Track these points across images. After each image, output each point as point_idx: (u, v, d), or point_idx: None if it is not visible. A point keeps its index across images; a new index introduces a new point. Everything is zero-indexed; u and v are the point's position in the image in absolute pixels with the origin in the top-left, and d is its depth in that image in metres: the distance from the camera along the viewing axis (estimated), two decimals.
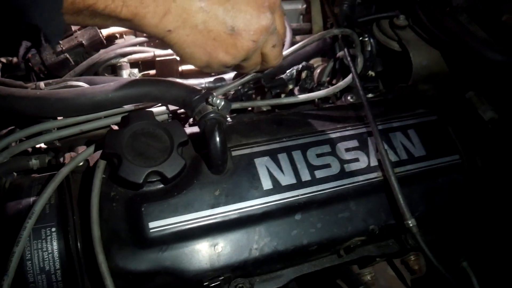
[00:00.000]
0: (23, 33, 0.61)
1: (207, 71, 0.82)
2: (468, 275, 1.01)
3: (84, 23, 0.87)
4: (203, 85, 1.06)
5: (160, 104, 0.92)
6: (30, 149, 0.97)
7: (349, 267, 0.98)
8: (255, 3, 0.75)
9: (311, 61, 1.20)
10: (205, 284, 0.76)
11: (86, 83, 0.95)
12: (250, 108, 1.07)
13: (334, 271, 0.95)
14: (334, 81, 1.17)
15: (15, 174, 0.89)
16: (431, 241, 0.90)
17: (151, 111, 0.86)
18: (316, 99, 1.07)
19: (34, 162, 0.90)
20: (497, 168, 1.03)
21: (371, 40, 1.10)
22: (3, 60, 1.09)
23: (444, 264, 0.90)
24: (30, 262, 0.74)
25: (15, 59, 1.10)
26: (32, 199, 0.79)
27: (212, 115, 0.81)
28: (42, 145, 0.94)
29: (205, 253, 0.79)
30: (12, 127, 0.94)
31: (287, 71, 1.06)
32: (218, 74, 1.10)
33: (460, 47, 1.03)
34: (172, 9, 0.69)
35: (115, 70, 1.06)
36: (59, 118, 0.87)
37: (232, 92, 1.00)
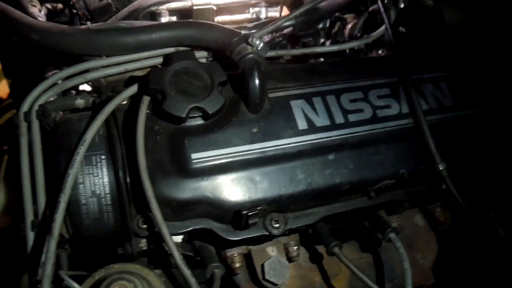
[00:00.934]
0: None
1: None
2: (495, 226, 1.04)
3: None
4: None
5: (199, 48, 0.96)
6: (74, 92, 1.02)
7: (377, 212, 1.01)
8: None
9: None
10: (243, 212, 0.80)
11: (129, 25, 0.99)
12: (282, 61, 1.10)
13: (363, 214, 0.98)
14: (365, 36, 1.19)
15: (61, 113, 0.94)
16: (459, 190, 0.92)
17: (193, 52, 0.89)
18: (347, 51, 1.09)
19: (79, 102, 0.94)
20: None
21: None
22: (48, 6, 1.13)
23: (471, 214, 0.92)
24: (82, 185, 0.79)
25: (59, 5, 1.14)
26: (81, 130, 0.83)
27: (251, 55, 0.85)
28: (87, 87, 0.99)
29: (244, 185, 0.84)
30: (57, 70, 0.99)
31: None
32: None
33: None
34: None
35: (154, 17, 1.09)
36: (104, 57, 0.91)
37: (266, 40, 1.03)
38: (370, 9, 1.14)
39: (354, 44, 1.04)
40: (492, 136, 1.01)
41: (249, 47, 0.85)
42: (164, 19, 1.08)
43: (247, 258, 0.96)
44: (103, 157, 0.81)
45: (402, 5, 1.12)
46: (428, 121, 0.93)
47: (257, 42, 0.85)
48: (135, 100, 0.87)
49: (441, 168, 0.90)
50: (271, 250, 0.96)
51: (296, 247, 0.96)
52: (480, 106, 1.01)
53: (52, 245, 0.67)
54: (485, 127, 1.00)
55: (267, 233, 0.86)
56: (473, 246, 1.18)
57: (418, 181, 0.97)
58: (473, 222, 1.02)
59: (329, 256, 0.99)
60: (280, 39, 1.02)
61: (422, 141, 0.92)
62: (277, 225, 0.86)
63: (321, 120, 0.90)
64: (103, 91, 0.97)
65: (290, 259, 0.96)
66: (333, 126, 0.90)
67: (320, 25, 1.08)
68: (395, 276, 1.06)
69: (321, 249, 1.02)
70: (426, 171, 0.94)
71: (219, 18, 1.17)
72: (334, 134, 0.90)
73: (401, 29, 1.17)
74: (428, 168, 0.93)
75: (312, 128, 0.89)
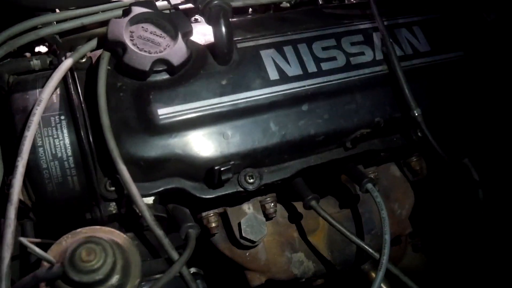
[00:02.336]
0: None
1: None
2: (469, 170, 1.04)
3: None
4: None
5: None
6: (29, 54, 0.95)
7: (354, 164, 0.99)
8: None
9: None
10: (215, 168, 0.77)
11: None
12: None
13: (339, 167, 0.96)
14: None
15: (16, 76, 0.87)
16: (434, 136, 0.91)
17: (154, 2, 0.84)
18: (320, 1, 1.05)
19: (35, 63, 0.88)
20: (498, 66, 1.03)
21: None
22: None
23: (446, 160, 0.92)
24: (42, 148, 0.74)
25: None
26: (38, 90, 0.78)
27: (216, 2, 0.80)
28: (43, 48, 0.92)
29: (215, 140, 0.80)
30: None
31: None
32: None
33: None
34: None
35: None
36: (58, 11, 0.85)
37: None
38: None
39: None
40: (467, 81, 0.99)
41: None
42: None
43: (223, 217, 0.94)
44: (62, 117, 0.76)
45: None
46: (402, 67, 0.91)
47: None
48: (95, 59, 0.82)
49: (416, 114, 0.89)
50: (247, 207, 0.93)
51: (272, 204, 0.94)
52: (455, 51, 1.00)
53: (11, 211, 0.62)
54: (460, 72, 0.99)
55: (241, 189, 0.83)
56: (448, 193, 1.19)
57: (394, 129, 0.95)
58: (448, 168, 1.02)
59: (307, 212, 0.98)
60: None
61: (397, 87, 0.90)
62: (251, 180, 0.83)
63: (293, 70, 0.86)
64: (60, 50, 0.91)
65: (267, 216, 0.94)
66: (305, 75, 0.87)
67: None
68: (373, 227, 1.06)
69: (298, 205, 1.01)
70: (401, 118, 0.92)
71: None
72: (307, 84, 0.86)
73: None
74: (404, 115, 0.91)
75: (284, 78, 0.85)
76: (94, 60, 0.84)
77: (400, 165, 1.13)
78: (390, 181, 1.11)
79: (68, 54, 0.88)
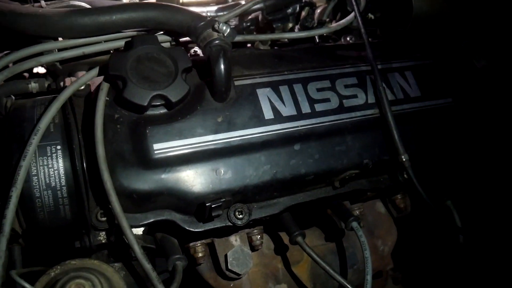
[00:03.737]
0: None
1: None
2: (451, 212, 1.07)
3: None
4: (205, 14, 1.05)
5: (162, 32, 0.91)
6: (27, 75, 0.96)
7: (340, 201, 1.01)
8: None
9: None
10: (207, 204, 0.79)
11: (87, 4, 0.93)
12: (249, 45, 1.07)
13: (326, 203, 0.99)
14: (333, 23, 1.17)
15: (13, 97, 0.88)
16: (419, 180, 0.94)
17: (156, 36, 0.85)
18: (317, 38, 1.07)
19: (33, 85, 0.89)
20: (487, 113, 1.06)
21: None
22: None
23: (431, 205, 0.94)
24: (36, 177, 0.75)
25: None
26: (36, 118, 0.79)
27: (217, 41, 0.82)
28: (41, 69, 0.93)
29: (208, 176, 0.82)
30: (8, 51, 0.92)
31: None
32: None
33: None
34: None
35: None
36: (60, 39, 0.86)
37: (233, 25, 1.00)
38: None
39: (323, 31, 1.02)
40: (454, 127, 1.02)
41: (215, 33, 0.82)
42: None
43: (210, 248, 0.95)
44: (58, 147, 0.77)
45: None
46: (393, 111, 0.94)
47: (224, 27, 0.81)
48: (94, 87, 0.83)
49: (404, 159, 0.91)
50: (234, 239, 0.95)
51: (259, 236, 0.96)
52: (444, 97, 1.03)
53: (2, 243, 0.63)
54: (448, 118, 1.02)
55: (230, 224, 0.84)
56: (431, 233, 1.22)
57: (382, 170, 0.98)
58: (431, 210, 1.04)
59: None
60: (248, 24, 0.98)
61: (387, 132, 0.93)
62: (241, 216, 0.85)
63: (287, 110, 0.88)
64: (60, 74, 0.92)
65: (253, 248, 0.96)
66: (299, 116, 0.89)
67: (289, 10, 1.05)
68: (355, 262, 1.08)
69: (283, 235, 1.03)
70: (389, 161, 0.95)
71: None
72: (300, 124, 0.88)
73: (370, 15, 1.16)
74: (391, 158, 0.94)
75: (278, 118, 0.87)
76: (92, 87, 0.85)
77: (385, 201, 1.16)
78: (375, 217, 1.14)
79: (67, 80, 0.89)
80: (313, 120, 0.90)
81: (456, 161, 1.04)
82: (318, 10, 1.17)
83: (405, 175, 0.96)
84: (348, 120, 0.92)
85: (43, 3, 0.89)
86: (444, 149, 1.02)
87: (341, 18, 1.14)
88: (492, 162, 1.06)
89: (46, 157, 0.76)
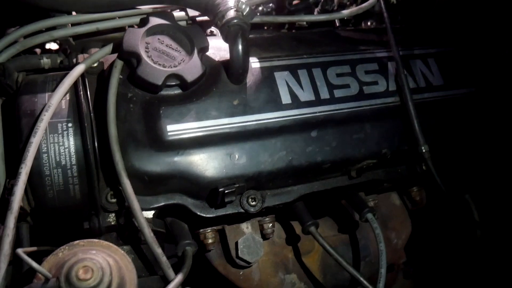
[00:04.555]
0: None
1: None
2: (470, 206, 1.04)
3: None
4: None
5: (178, 10, 0.88)
6: (39, 51, 0.94)
7: (355, 191, 0.99)
8: None
9: None
10: (220, 190, 0.76)
11: None
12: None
13: (341, 193, 0.96)
14: (354, 6, 1.13)
15: (24, 72, 0.86)
16: (438, 172, 0.91)
17: (172, 13, 0.82)
18: (337, 22, 1.04)
19: (45, 61, 0.87)
20: (511, 104, 1.02)
21: None
22: None
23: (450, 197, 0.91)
24: (46, 155, 0.73)
25: None
26: (47, 94, 0.76)
27: (235, 21, 0.78)
28: (54, 46, 0.91)
29: (221, 161, 0.79)
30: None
31: None
32: None
33: None
34: None
35: None
36: (74, 13, 0.83)
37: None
38: None
39: (343, 14, 0.98)
40: (476, 118, 0.99)
41: (234, 12, 0.79)
42: None
43: (221, 234, 0.93)
44: (70, 124, 0.75)
45: None
46: (414, 100, 0.90)
47: (243, 6, 0.78)
48: (107, 64, 0.80)
49: (424, 150, 0.88)
50: (246, 226, 0.93)
51: (271, 224, 0.93)
52: (467, 86, 0.99)
53: (10, 220, 0.61)
54: (470, 108, 0.98)
55: (243, 211, 0.82)
56: (445, 227, 1.19)
57: (399, 161, 0.95)
58: (449, 203, 1.01)
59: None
60: (268, 10, 0.95)
61: (407, 121, 0.89)
62: (254, 203, 0.83)
63: (305, 95, 0.85)
64: (72, 51, 0.90)
65: (264, 236, 0.94)
66: (318, 102, 0.86)
67: None
68: (368, 254, 1.05)
69: (295, 224, 1.00)
70: (408, 152, 0.92)
71: None
72: (318, 110, 0.85)
73: (393, 0, 1.12)
74: (411, 148, 0.91)
75: (295, 103, 0.84)
76: (106, 65, 0.83)
77: (400, 193, 1.13)
78: (390, 209, 1.11)
79: (80, 56, 0.87)
80: (332, 107, 0.87)
81: (476, 154, 1.01)
82: None
83: (423, 167, 0.93)
84: (368, 107, 0.89)
85: None
86: (465, 141, 0.98)
87: (362, 2, 1.11)
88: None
89: (56, 135, 0.74)
